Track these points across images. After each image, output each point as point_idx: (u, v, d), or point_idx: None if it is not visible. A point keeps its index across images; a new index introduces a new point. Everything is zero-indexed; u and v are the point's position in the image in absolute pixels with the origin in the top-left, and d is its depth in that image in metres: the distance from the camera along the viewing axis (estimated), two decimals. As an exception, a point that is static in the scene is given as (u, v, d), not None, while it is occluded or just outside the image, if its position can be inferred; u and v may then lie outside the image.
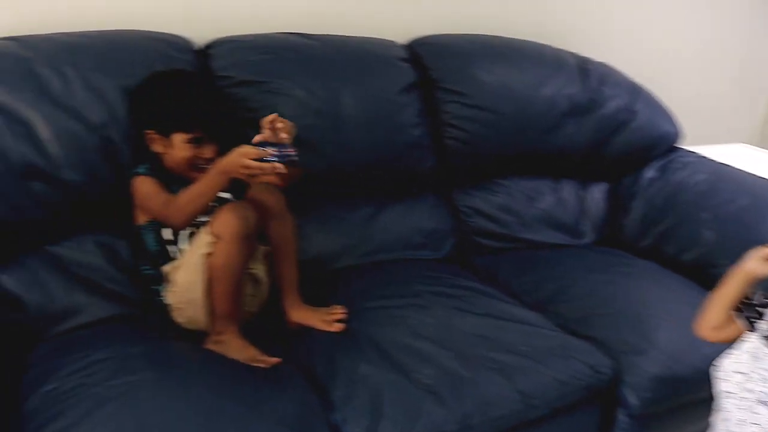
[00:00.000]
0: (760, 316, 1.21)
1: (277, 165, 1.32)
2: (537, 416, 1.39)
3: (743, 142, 2.99)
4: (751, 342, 1.20)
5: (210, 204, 1.42)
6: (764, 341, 1.18)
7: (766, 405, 1.17)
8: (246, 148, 1.33)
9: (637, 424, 1.53)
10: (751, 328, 1.22)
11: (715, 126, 2.98)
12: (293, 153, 1.36)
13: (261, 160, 1.32)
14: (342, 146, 1.74)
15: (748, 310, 1.22)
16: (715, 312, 1.27)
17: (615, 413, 1.54)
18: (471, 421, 1.30)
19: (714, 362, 1.27)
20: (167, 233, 1.49)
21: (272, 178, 1.39)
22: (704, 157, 2.21)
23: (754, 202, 1.94)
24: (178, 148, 1.46)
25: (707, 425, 1.41)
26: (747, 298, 1.24)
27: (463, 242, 2.00)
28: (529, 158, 2.09)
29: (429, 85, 1.94)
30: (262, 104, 1.67)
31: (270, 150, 1.33)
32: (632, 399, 1.50)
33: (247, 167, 1.32)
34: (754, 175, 2.07)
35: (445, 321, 1.52)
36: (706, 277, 1.80)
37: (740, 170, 2.11)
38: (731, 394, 1.24)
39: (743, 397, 1.21)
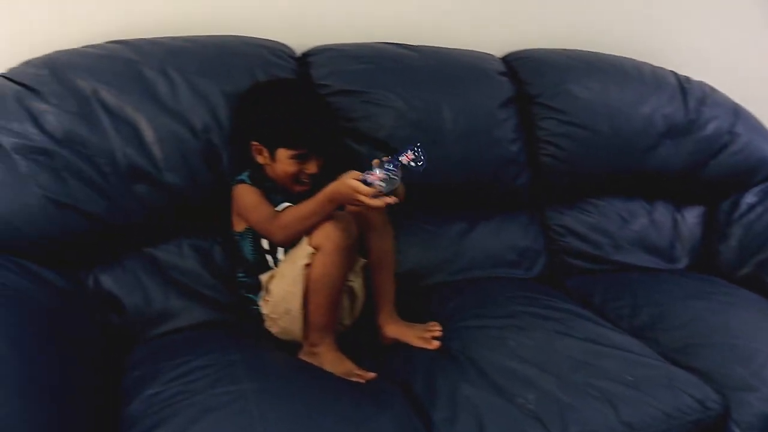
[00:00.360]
0: None
1: (388, 199, 1.29)
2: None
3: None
4: None
5: None
6: None
7: None
8: (356, 182, 1.29)
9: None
10: None
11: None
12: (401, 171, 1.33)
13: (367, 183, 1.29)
14: (439, 159, 1.70)
15: None
16: None
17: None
18: None
19: None
20: (266, 243, 1.48)
21: (379, 204, 1.31)
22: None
23: None
24: (282, 162, 1.45)
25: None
26: None
27: (555, 262, 1.95)
28: (624, 178, 2.02)
29: (525, 100, 1.91)
30: (361, 114, 1.67)
31: (379, 174, 1.29)
32: (741, 435, 1.42)
33: (359, 201, 1.29)
34: None
35: (545, 344, 1.47)
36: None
37: None
38: None
39: None
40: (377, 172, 1.29)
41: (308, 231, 1.36)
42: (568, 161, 1.91)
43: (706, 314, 1.70)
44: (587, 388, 1.36)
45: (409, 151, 1.31)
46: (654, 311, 1.71)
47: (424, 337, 1.47)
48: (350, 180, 1.29)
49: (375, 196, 1.27)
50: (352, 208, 1.37)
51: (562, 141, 1.90)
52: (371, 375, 1.37)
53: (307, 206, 1.36)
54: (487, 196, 1.86)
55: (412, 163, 1.30)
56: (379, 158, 1.31)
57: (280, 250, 1.47)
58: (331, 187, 1.32)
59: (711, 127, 2.07)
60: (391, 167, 1.30)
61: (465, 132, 1.75)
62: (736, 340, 1.59)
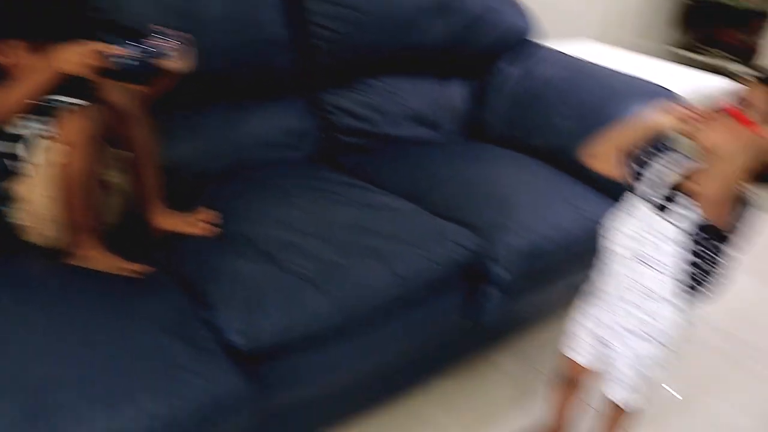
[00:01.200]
0: (639, 176, 1.26)
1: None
2: (413, 296, 1.43)
3: (588, 38, 3.14)
4: (632, 203, 1.27)
5: (49, 108, 1.30)
6: (644, 201, 1.24)
7: (642, 263, 1.26)
8: (88, 46, 1.22)
9: (507, 297, 1.59)
10: (631, 179, 1.28)
11: (563, 22, 3.10)
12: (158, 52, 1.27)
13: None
14: (203, 47, 1.60)
15: (636, 161, 1.27)
16: (606, 146, 1.31)
17: (485, 289, 1.59)
18: (350, 306, 1.32)
19: (600, 222, 1.36)
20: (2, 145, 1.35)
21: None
22: (562, 53, 2.27)
23: (612, 94, 1.99)
24: None
25: (577, 290, 1.49)
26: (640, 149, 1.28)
27: (330, 141, 1.98)
28: (395, 57, 2.08)
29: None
30: (114, 3, 1.56)
31: (123, 50, 1.22)
32: (502, 273, 1.55)
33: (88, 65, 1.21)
34: (610, 68, 2.16)
35: (320, 214, 1.51)
36: (567, 164, 1.87)
37: (597, 64, 2.19)
38: (613, 253, 1.32)
39: (623, 255, 1.29)
40: (121, 49, 1.23)
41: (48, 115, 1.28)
42: (340, 43, 1.92)
43: (472, 174, 1.83)
44: (361, 249, 1.43)
45: (160, 37, 1.27)
46: (423, 176, 1.81)
47: (195, 223, 1.45)
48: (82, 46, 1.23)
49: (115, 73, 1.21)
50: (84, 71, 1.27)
51: (333, 23, 1.90)
52: (144, 267, 1.33)
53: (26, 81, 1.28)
54: (257, 81, 1.83)
55: (162, 50, 1.25)
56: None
57: (28, 153, 1.35)
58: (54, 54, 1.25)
59: (468, 2, 2.16)
60: (140, 49, 1.24)
61: (229, 16, 1.70)
62: (496, 190, 1.74)
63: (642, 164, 1.26)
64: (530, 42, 2.33)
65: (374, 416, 1.64)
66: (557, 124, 2.00)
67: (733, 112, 1.13)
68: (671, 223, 1.20)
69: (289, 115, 1.90)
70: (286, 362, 1.27)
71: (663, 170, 1.24)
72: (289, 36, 1.84)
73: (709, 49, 4.09)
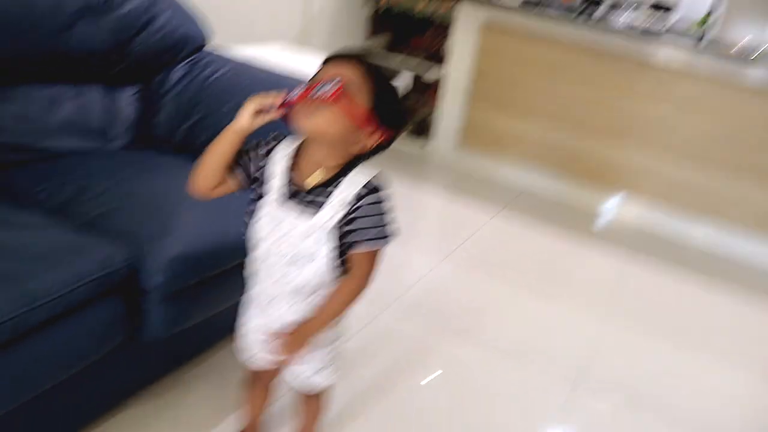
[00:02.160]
0: (255, 180, 1.29)
1: None
2: (42, 319, 1.35)
3: (287, 42, 3.25)
4: (267, 207, 1.28)
5: None
6: (275, 203, 1.26)
7: (294, 264, 1.28)
8: None
9: (167, 305, 1.57)
10: (247, 185, 1.30)
11: (258, 27, 3.18)
12: None
13: None
14: None
15: (240, 164, 1.29)
16: (209, 169, 1.28)
17: (143, 299, 1.56)
18: None
19: (243, 233, 1.35)
20: None
21: None
22: (226, 56, 2.30)
23: (260, 87, 2.02)
24: None
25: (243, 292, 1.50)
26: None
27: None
28: (42, 62, 1.94)
29: None
30: None
31: None
32: (154, 282, 1.53)
33: None
34: (268, 69, 2.23)
35: None
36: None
37: (257, 66, 2.25)
38: (261, 259, 1.32)
39: (273, 261, 1.30)
40: None
41: None
42: (-35, 49, 1.76)
43: (126, 182, 1.77)
44: None
45: None
46: (75, 188, 1.72)
47: None
48: None
49: None
50: None
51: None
52: None
53: None
54: None
55: None
56: None
57: None
58: None
59: (128, 7, 2.09)
60: None
61: None
62: (151, 199, 1.71)
63: (253, 168, 1.30)
64: (204, 49, 2.33)
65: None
66: (219, 119, 1.99)
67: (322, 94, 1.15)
68: (305, 214, 1.24)
69: None
70: None
71: (275, 165, 1.27)
72: None
73: (402, 51, 4.49)
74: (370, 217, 1.23)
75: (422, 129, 4.41)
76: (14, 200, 1.67)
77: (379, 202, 1.24)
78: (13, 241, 1.44)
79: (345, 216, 1.23)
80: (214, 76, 2.18)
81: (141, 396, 1.80)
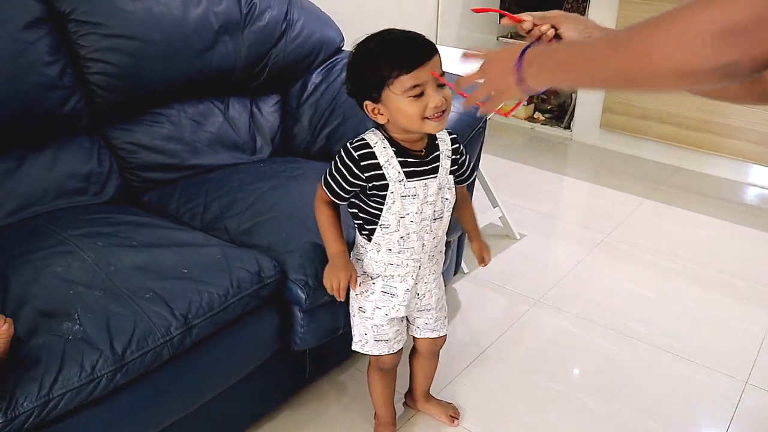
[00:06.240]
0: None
1: None
2: (202, 335, 1.40)
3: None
4: (395, 189, 1.35)
5: None
6: (401, 183, 1.36)
7: (439, 219, 1.43)
8: None
9: (307, 318, 1.59)
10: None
11: (386, 26, 3.15)
12: None
13: None
14: None
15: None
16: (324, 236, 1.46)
17: (293, 310, 1.59)
18: (126, 358, 1.27)
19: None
20: None
21: None
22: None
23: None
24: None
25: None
26: None
27: (129, 180, 1.92)
28: (189, 83, 2.02)
29: (58, 18, 1.78)
30: None
31: None
32: (300, 294, 1.54)
33: None
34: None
35: (98, 260, 1.44)
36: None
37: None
38: (409, 232, 1.41)
39: (421, 227, 1.41)
40: None
41: None
42: (121, 76, 1.85)
43: (269, 192, 1.80)
44: (140, 293, 1.37)
45: None
46: (223, 202, 1.78)
47: None
48: None
49: None
50: None
51: (109, 55, 1.82)
52: None
53: None
54: (31, 127, 1.74)
55: None
56: None
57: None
58: None
59: (266, 17, 2.14)
60: None
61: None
62: (292, 209, 1.73)
63: (362, 183, 1.36)
64: (339, 53, 2.34)
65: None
66: (357, 123, 1.98)
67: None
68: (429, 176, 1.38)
69: (76, 159, 1.82)
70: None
71: (380, 158, 1.34)
72: (60, 75, 1.75)
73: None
74: (467, 156, 1.49)
75: (563, 112, 4.24)
76: (171, 216, 1.76)
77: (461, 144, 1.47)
78: (166, 260, 1.50)
79: (452, 163, 1.43)
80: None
81: (290, 403, 1.83)
